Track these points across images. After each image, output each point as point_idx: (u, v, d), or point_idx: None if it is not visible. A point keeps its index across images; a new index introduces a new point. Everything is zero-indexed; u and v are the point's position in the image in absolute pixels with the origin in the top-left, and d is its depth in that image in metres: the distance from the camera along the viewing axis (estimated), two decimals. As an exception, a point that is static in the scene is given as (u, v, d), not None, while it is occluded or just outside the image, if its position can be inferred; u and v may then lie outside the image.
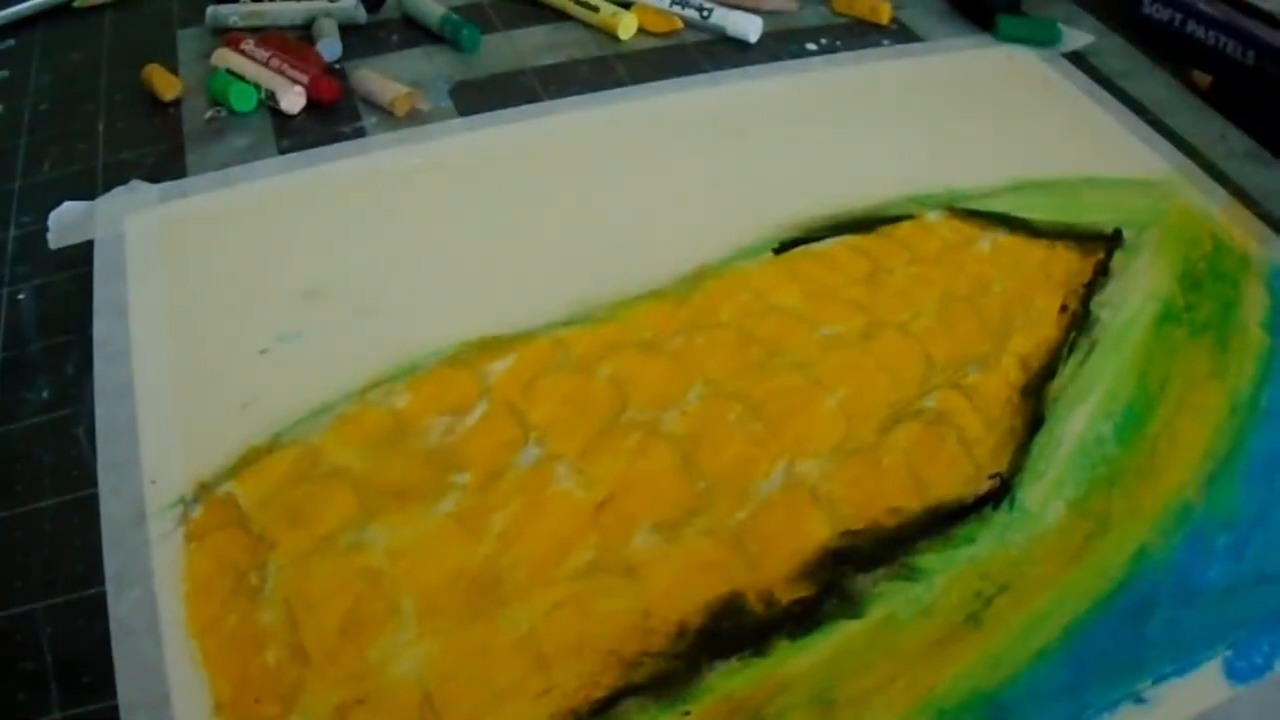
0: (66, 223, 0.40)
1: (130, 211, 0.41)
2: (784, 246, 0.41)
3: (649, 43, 0.53)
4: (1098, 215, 0.44)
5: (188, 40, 0.53)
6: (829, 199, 0.43)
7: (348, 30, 0.52)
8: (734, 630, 0.29)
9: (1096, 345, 0.38)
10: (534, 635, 0.29)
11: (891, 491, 0.33)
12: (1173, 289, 0.41)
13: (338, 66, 0.51)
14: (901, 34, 0.55)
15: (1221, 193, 0.46)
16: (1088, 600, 0.31)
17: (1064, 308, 0.39)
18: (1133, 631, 0.30)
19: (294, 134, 0.46)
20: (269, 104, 0.47)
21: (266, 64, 0.48)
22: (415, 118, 0.47)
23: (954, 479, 0.34)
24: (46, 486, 0.32)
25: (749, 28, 0.53)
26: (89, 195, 0.42)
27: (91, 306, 0.37)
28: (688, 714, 0.28)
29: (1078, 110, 0.50)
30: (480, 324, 0.37)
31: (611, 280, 0.39)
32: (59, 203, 0.41)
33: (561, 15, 0.55)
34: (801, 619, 0.30)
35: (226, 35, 0.51)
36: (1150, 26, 0.57)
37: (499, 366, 0.35)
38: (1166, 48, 0.55)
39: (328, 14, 0.53)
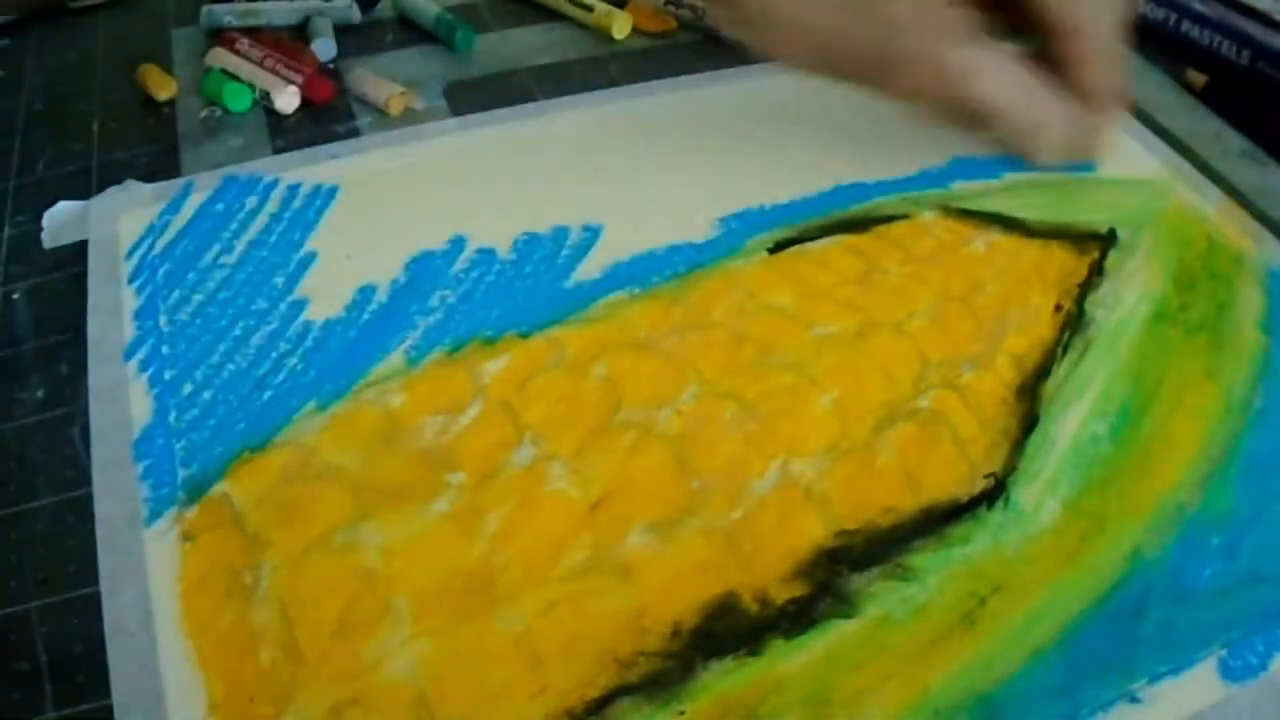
0: (60, 222, 0.40)
1: (124, 211, 0.41)
2: (778, 246, 0.41)
3: (643, 42, 0.53)
4: (1092, 215, 0.44)
5: (182, 40, 0.53)
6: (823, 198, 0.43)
7: (342, 30, 0.52)
8: (728, 630, 0.29)
9: (1091, 345, 0.38)
10: (528, 635, 0.29)
11: (886, 491, 0.33)
12: (1167, 289, 0.41)
13: (332, 66, 0.51)
14: (896, 34, 0.55)
15: (1216, 192, 0.46)
16: (1082, 600, 0.31)
17: (1059, 307, 0.39)
18: (1127, 631, 0.30)
19: (289, 133, 0.46)
20: (264, 104, 0.47)
21: (261, 64, 0.48)
22: (410, 117, 0.47)
23: (948, 479, 0.34)
24: (40, 486, 0.32)
25: (744, 28, 0.53)
26: (83, 195, 0.42)
27: (86, 306, 0.37)
28: (682, 713, 0.28)
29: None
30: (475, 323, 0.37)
31: (605, 279, 0.39)
32: (53, 202, 0.41)
33: (556, 15, 0.55)
34: (796, 618, 0.30)
35: (221, 35, 0.51)
36: (1145, 26, 0.57)
37: (493, 366, 0.36)
38: (1161, 47, 0.56)
39: (322, 14, 0.53)
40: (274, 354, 0.36)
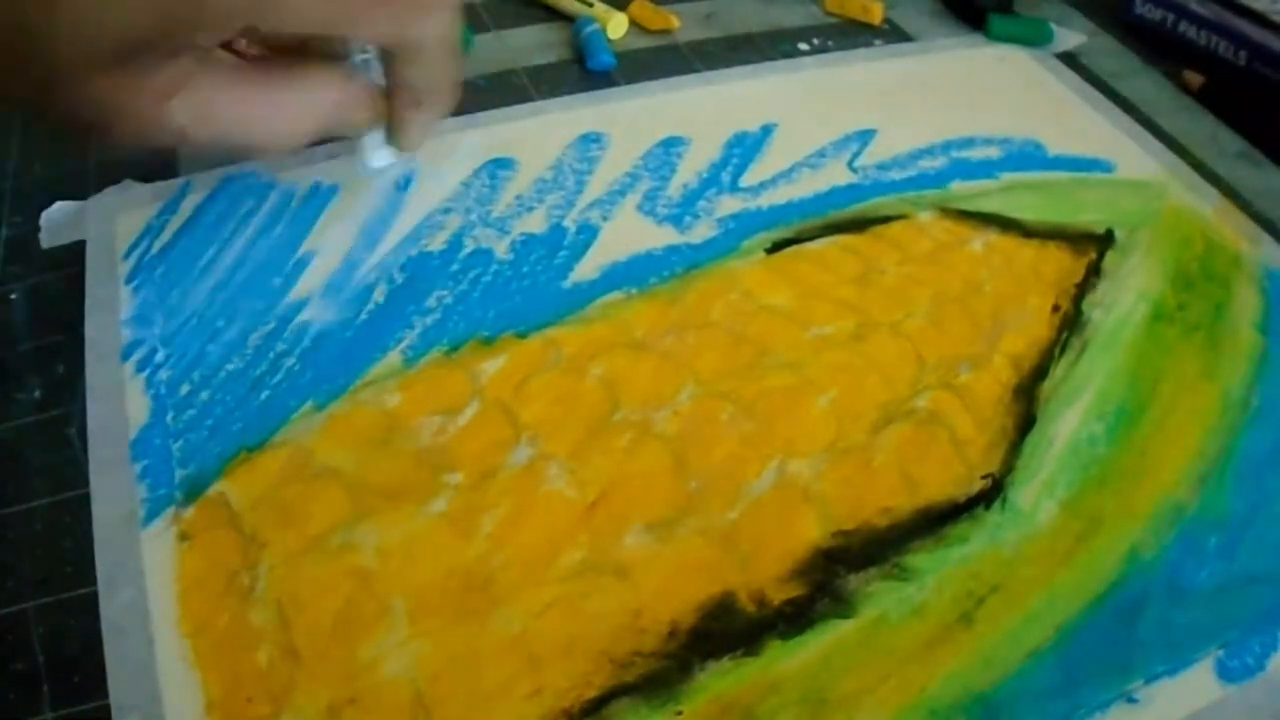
0: (58, 222, 0.40)
1: (122, 211, 0.41)
2: (776, 246, 0.41)
3: (641, 42, 0.53)
4: (1089, 215, 0.44)
5: (180, 39, 0.53)
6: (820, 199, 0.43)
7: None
8: (726, 630, 0.30)
9: (1088, 345, 0.38)
10: (525, 635, 0.29)
11: (883, 491, 0.33)
12: (1164, 289, 0.41)
13: (330, 66, 0.51)
14: (893, 34, 0.55)
15: (1213, 193, 0.46)
16: (1079, 600, 0.31)
17: (1056, 308, 0.39)
18: (1124, 631, 0.30)
19: (286, 133, 0.46)
20: (261, 103, 0.47)
21: (259, 63, 0.48)
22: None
23: (946, 479, 0.34)
24: (37, 486, 0.32)
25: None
26: (81, 195, 0.42)
27: (83, 306, 0.37)
28: (680, 714, 0.28)
29: (1069, 110, 0.50)
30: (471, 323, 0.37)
31: (602, 279, 0.39)
32: (50, 202, 0.41)
33: (554, 15, 0.55)
34: (793, 619, 0.30)
35: (219, 35, 0.51)
36: (1142, 27, 0.57)
37: (490, 366, 0.36)
38: (1158, 48, 0.56)
39: (320, 13, 0.52)
40: (271, 354, 0.36)
